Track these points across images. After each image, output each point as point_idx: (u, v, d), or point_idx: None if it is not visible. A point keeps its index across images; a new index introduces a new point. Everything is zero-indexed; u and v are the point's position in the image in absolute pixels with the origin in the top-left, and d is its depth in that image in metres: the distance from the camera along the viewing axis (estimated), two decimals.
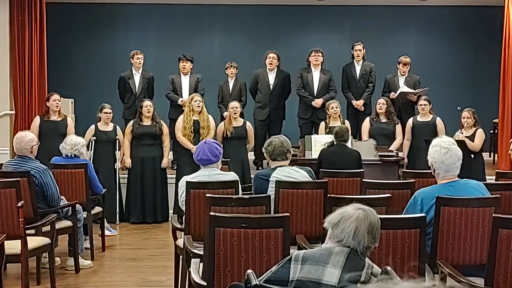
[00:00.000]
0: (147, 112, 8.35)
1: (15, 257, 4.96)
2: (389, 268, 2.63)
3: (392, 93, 9.29)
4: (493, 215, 3.52)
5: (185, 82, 9.39)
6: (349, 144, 7.15)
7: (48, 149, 7.33)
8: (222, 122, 8.67)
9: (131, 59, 9.44)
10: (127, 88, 9.43)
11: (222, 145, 8.20)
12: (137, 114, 8.49)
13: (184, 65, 9.36)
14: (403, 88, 9.25)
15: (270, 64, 9.43)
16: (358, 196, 4.62)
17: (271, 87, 9.46)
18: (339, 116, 8.66)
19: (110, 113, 8.31)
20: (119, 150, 8.40)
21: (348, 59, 9.81)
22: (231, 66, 9.56)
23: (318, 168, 6.25)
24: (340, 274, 2.53)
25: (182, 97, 9.25)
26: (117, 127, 8.44)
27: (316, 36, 11.91)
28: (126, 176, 8.49)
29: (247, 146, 8.64)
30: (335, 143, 6.93)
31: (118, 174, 8.38)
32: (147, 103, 8.43)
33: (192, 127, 8.26)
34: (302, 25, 12.10)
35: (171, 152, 9.01)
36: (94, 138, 8.25)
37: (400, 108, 9.27)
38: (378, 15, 12.11)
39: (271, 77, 9.48)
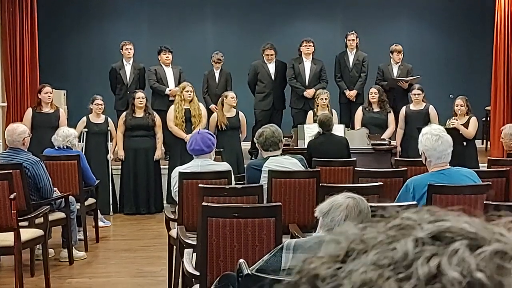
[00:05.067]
0: (139, 103, 8.34)
1: (8, 249, 4.95)
2: None
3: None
4: (485, 202, 3.54)
5: (169, 73, 9.39)
6: (335, 131, 7.11)
7: (41, 141, 7.31)
8: (215, 114, 8.67)
9: (120, 50, 9.43)
10: (118, 79, 9.42)
11: (215, 136, 8.33)
12: (130, 105, 8.49)
13: (167, 56, 9.36)
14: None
15: (269, 59, 9.46)
16: (350, 185, 4.63)
17: (272, 76, 9.47)
18: (327, 106, 8.63)
19: (101, 104, 8.28)
20: (111, 141, 8.39)
21: (340, 48, 9.81)
22: (217, 59, 9.53)
23: (309, 160, 6.23)
24: None
25: (168, 87, 9.28)
26: (109, 118, 8.43)
27: (309, 25, 11.89)
28: (119, 167, 8.49)
29: (240, 136, 8.64)
30: (321, 133, 6.88)
31: (111, 166, 8.38)
32: (139, 94, 8.42)
33: (184, 117, 8.26)
34: (294, 14, 12.08)
35: None
36: (86, 129, 8.24)
37: (394, 97, 9.28)
38: (370, 3, 12.09)
39: (271, 67, 9.49)
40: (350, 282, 0.60)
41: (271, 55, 9.42)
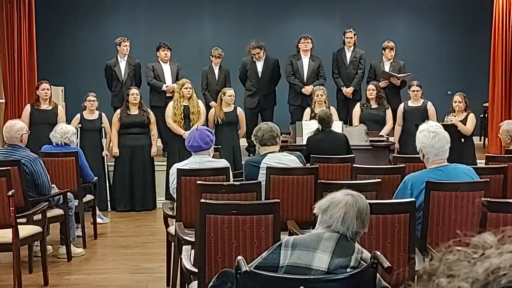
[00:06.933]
0: (134, 100, 8.33)
1: (7, 246, 4.94)
2: (378, 253, 2.64)
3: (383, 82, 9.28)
4: (482, 199, 3.54)
5: (166, 70, 9.38)
6: (334, 127, 7.10)
7: (39, 138, 7.30)
8: (213, 109, 8.65)
9: (118, 46, 9.40)
10: (113, 76, 9.40)
11: (214, 132, 8.31)
12: (124, 102, 8.47)
13: (166, 53, 9.34)
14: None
15: (257, 58, 9.40)
16: (349, 182, 4.63)
17: (259, 74, 9.43)
18: (324, 102, 8.59)
19: (94, 101, 8.26)
20: (105, 138, 8.38)
21: (339, 45, 9.80)
22: (218, 54, 9.50)
23: (307, 156, 6.23)
24: (330, 259, 2.54)
25: (165, 84, 9.26)
26: (103, 114, 8.41)
27: (307, 21, 11.88)
28: (112, 164, 8.48)
29: (239, 132, 8.63)
30: (320, 129, 6.87)
31: (107, 162, 8.37)
32: (133, 91, 8.41)
33: (182, 113, 8.25)
34: (293, 10, 12.07)
35: (159, 139, 8.98)
36: (80, 125, 8.22)
37: (386, 92, 9.25)
38: (368, 0, 12.08)
39: (259, 65, 9.44)
40: (483, 266, 0.79)
41: (258, 53, 9.37)
